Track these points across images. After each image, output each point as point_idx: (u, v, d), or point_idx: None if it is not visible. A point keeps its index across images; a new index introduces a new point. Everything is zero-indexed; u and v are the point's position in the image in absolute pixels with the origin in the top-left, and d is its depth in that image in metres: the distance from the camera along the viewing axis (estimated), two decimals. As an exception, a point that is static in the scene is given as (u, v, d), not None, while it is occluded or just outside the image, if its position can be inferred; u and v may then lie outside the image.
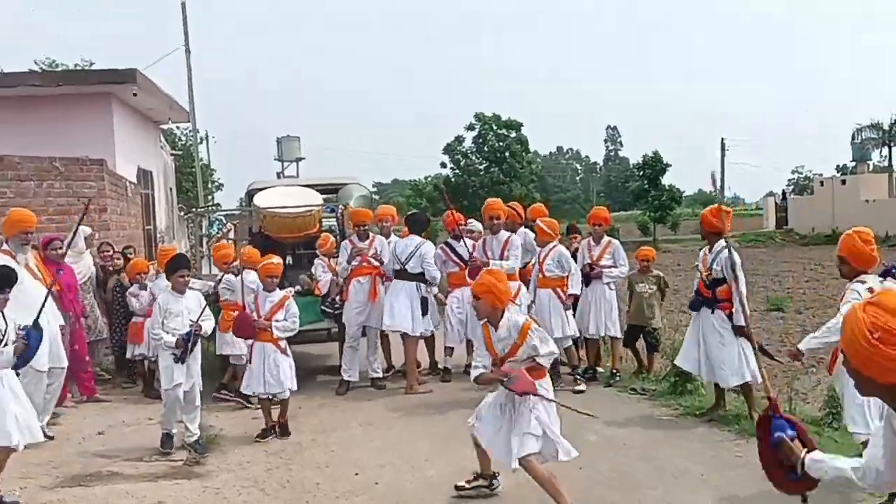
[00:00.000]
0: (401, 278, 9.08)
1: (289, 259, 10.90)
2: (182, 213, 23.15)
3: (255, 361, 7.29)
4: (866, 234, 5.43)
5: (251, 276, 8.18)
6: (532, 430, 5.00)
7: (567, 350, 8.91)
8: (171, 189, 22.04)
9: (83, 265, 9.19)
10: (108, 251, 9.76)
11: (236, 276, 8.49)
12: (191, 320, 6.76)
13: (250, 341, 7.40)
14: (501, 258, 8.57)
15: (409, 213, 11.75)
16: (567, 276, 8.76)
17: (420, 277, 9.10)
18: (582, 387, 8.68)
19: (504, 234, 8.86)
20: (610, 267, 9.02)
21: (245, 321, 7.39)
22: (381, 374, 9.42)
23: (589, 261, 9.05)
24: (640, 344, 9.65)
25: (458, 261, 9.19)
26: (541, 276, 8.81)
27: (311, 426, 7.73)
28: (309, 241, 10.42)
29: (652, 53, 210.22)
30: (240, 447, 7.08)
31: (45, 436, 7.16)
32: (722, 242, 7.00)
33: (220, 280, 8.75)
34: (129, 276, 9.24)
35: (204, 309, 6.94)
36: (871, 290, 5.03)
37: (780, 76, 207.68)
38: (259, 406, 7.61)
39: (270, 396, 7.29)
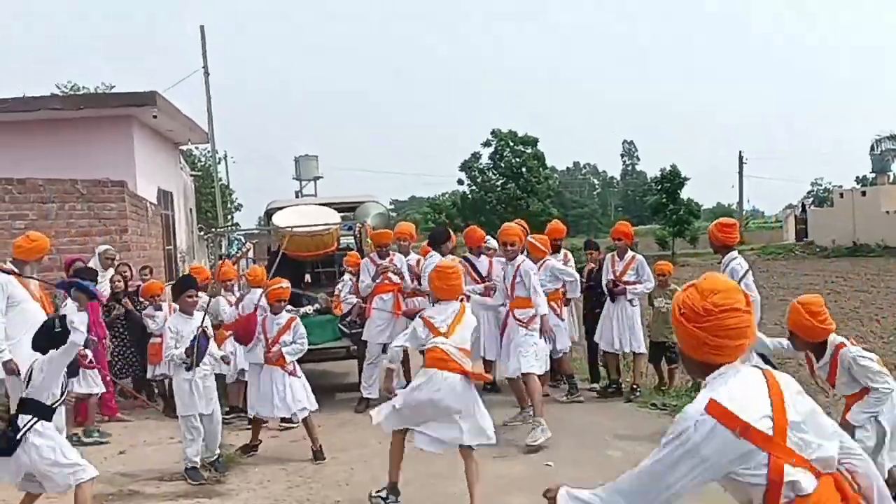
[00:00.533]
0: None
1: (307, 277, 10.95)
2: (202, 234, 23.31)
3: (263, 384, 7.26)
4: (815, 305, 5.15)
5: (256, 295, 8.20)
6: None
7: (560, 361, 9.09)
8: (190, 209, 22.23)
9: (104, 285, 9.27)
10: (126, 272, 9.58)
11: (212, 297, 8.37)
12: (200, 327, 6.74)
13: (257, 361, 7.42)
14: (513, 287, 8.01)
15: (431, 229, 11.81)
16: (562, 287, 9.03)
17: None
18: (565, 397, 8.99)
19: (519, 259, 8.14)
20: (634, 283, 8.94)
21: (248, 327, 7.45)
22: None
23: (612, 276, 8.99)
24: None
25: (476, 277, 9.18)
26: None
27: (330, 444, 7.71)
28: (327, 259, 10.47)
29: (671, 67, 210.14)
30: (260, 466, 7.09)
31: None
32: (732, 255, 7.02)
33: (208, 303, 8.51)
34: (144, 297, 9.25)
35: (204, 318, 6.81)
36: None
37: (800, 87, 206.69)
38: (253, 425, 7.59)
39: (279, 419, 7.29)
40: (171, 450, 7.51)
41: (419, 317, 5.78)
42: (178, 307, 6.90)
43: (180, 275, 7.90)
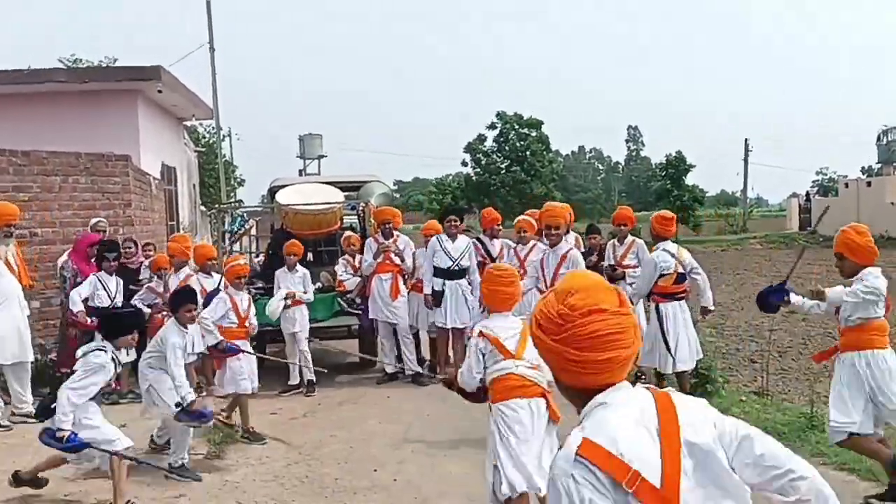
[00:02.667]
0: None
1: (310, 255, 10.97)
2: (204, 210, 23.30)
3: (233, 363, 7.29)
4: (861, 228, 5.41)
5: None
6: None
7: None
8: (194, 185, 22.20)
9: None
10: (131, 247, 9.59)
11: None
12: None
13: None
14: (555, 276, 7.66)
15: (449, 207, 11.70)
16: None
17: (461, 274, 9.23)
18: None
19: (564, 246, 7.98)
20: (634, 267, 8.86)
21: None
22: (420, 370, 9.38)
23: (612, 262, 8.97)
24: None
25: (486, 257, 9.25)
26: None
27: (330, 422, 7.76)
28: (330, 237, 10.48)
29: (677, 53, 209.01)
30: (259, 442, 7.12)
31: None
32: (665, 244, 7.68)
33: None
34: (153, 270, 9.22)
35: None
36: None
37: (807, 77, 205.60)
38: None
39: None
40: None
41: (479, 332, 4.63)
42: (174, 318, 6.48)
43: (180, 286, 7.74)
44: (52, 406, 5.31)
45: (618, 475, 1.77)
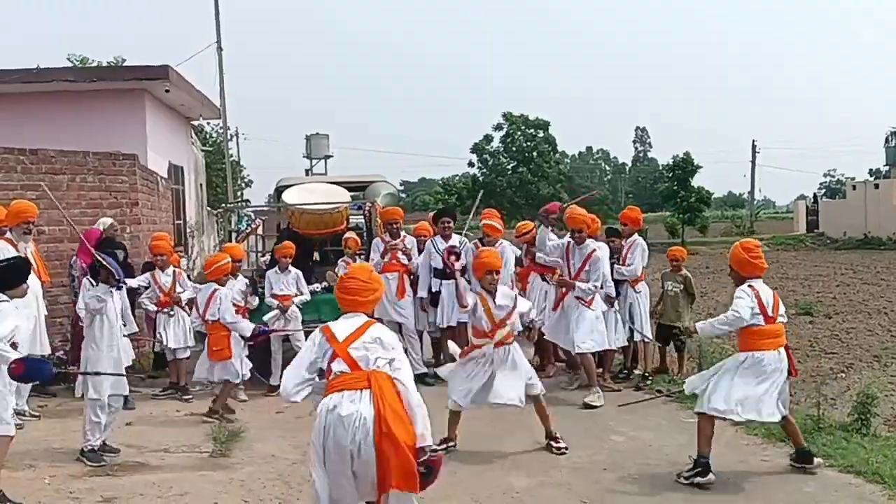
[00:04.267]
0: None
1: (316, 255, 10.99)
2: (210, 210, 23.34)
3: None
4: (752, 244, 6.14)
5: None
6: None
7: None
8: (200, 185, 22.27)
9: None
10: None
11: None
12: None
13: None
14: (579, 273, 8.28)
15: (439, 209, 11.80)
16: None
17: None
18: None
19: (591, 245, 8.37)
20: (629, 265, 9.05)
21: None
22: (425, 370, 9.37)
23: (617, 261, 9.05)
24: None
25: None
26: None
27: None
28: (336, 237, 10.50)
29: (683, 53, 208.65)
30: (265, 440, 7.13)
31: (30, 415, 7.70)
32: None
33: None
34: (153, 253, 9.26)
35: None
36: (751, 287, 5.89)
37: (814, 79, 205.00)
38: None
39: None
40: (177, 423, 7.58)
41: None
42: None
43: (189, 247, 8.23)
44: None
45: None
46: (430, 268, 9.44)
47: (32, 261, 7.91)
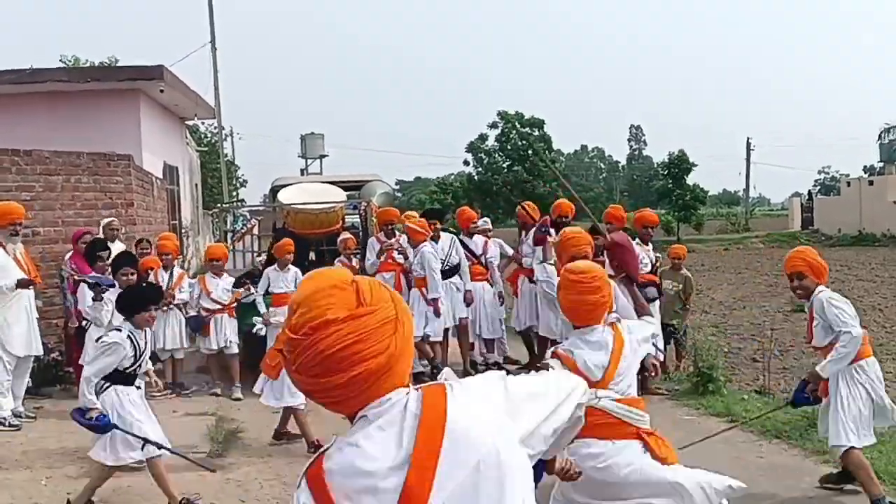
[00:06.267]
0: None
1: (312, 255, 10.98)
2: (206, 210, 23.32)
3: None
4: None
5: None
6: None
7: (432, 345, 9.11)
8: (196, 185, 22.23)
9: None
10: (147, 248, 9.49)
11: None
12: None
13: None
14: None
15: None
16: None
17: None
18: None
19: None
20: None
21: None
22: (421, 368, 9.37)
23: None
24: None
25: (470, 256, 9.59)
26: (413, 274, 9.14)
27: (333, 421, 7.72)
28: (332, 237, 10.50)
29: (679, 52, 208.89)
30: (262, 440, 7.13)
31: (27, 416, 7.68)
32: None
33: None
34: (141, 272, 9.24)
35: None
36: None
37: (809, 76, 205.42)
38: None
39: None
40: (174, 422, 7.55)
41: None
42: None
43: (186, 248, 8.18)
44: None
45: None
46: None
47: (22, 262, 7.92)
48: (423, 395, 1.60)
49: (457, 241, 9.57)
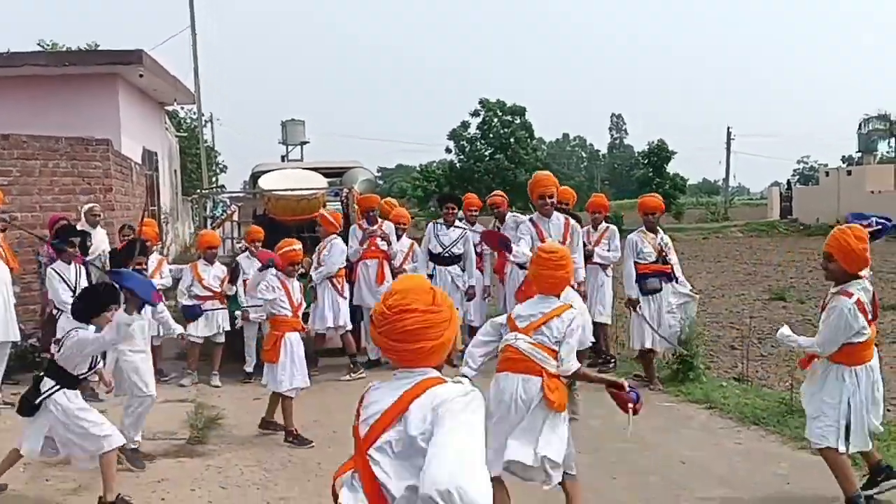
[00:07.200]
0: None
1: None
2: (185, 196, 23.16)
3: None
4: (860, 231, 4.91)
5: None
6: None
7: (343, 337, 9.26)
8: (175, 170, 22.08)
9: (94, 241, 9.17)
10: (129, 235, 9.19)
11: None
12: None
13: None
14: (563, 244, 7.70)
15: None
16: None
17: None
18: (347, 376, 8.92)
19: (559, 216, 7.70)
20: (608, 249, 9.23)
21: None
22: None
23: (588, 246, 9.10)
24: None
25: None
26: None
27: (313, 407, 7.75)
28: (313, 223, 10.46)
29: (660, 42, 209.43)
30: (242, 427, 7.12)
31: (4, 403, 7.64)
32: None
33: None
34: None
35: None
36: (858, 302, 4.81)
37: (788, 65, 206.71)
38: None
39: None
40: (159, 409, 7.54)
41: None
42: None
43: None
44: (36, 402, 5.09)
45: None
46: (427, 251, 9.55)
47: (0, 250, 7.85)
48: (429, 378, 2.35)
49: (469, 234, 9.58)
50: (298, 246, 7.19)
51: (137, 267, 6.78)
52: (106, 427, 5.21)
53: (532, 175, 8.10)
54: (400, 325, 2.34)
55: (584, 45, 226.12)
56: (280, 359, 6.71)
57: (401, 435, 2.27)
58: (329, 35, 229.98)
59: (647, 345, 8.27)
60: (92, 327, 5.19)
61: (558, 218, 7.65)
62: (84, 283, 7.65)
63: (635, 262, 8.35)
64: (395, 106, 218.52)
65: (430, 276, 9.34)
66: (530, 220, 7.75)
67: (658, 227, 8.59)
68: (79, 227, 8.27)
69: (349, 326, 9.24)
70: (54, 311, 7.80)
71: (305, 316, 8.50)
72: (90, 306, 5.20)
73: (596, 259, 9.06)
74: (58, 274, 7.47)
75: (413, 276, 2.65)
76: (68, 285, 7.49)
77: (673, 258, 8.48)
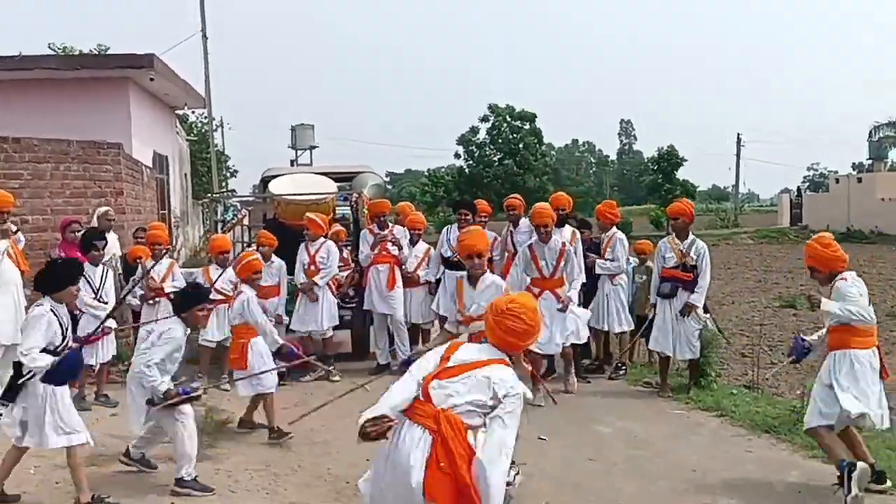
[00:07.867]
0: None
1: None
2: (195, 200, 23.22)
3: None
4: (824, 239, 5.78)
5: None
6: None
7: (326, 341, 9.36)
8: (185, 174, 22.14)
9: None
10: (142, 237, 9.45)
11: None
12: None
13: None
14: (555, 271, 8.02)
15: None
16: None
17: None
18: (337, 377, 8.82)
19: (557, 241, 8.09)
20: (611, 259, 9.11)
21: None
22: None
23: (590, 259, 9.09)
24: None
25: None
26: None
27: (322, 412, 7.71)
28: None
29: (669, 47, 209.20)
30: (251, 431, 7.11)
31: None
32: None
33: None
34: (129, 261, 9.17)
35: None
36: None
37: (799, 72, 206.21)
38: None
39: None
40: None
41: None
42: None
43: (192, 281, 8.06)
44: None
45: None
46: (440, 256, 9.51)
47: (11, 252, 7.83)
48: (502, 359, 3.70)
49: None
50: (256, 256, 7.57)
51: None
52: (73, 421, 5.30)
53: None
54: (509, 325, 3.62)
55: (596, 50, 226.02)
56: (249, 363, 6.80)
57: (470, 377, 3.54)
58: (330, 35, 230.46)
59: (661, 349, 8.23)
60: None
61: (556, 243, 8.00)
62: (109, 286, 8.02)
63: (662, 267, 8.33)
64: (404, 110, 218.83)
65: (438, 281, 9.41)
66: (528, 246, 8.12)
67: (690, 233, 8.49)
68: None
69: (331, 334, 9.35)
70: (76, 312, 7.85)
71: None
72: (57, 279, 5.39)
73: (597, 270, 9.00)
74: (83, 276, 7.37)
75: (529, 296, 4.00)
76: (92, 287, 7.76)
77: (701, 267, 8.19)
